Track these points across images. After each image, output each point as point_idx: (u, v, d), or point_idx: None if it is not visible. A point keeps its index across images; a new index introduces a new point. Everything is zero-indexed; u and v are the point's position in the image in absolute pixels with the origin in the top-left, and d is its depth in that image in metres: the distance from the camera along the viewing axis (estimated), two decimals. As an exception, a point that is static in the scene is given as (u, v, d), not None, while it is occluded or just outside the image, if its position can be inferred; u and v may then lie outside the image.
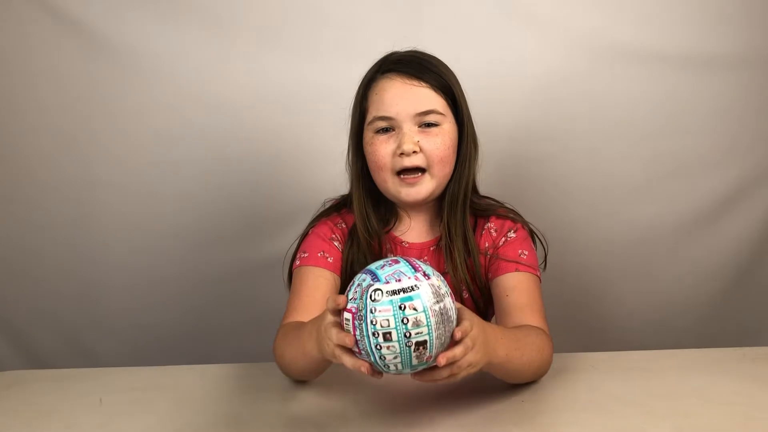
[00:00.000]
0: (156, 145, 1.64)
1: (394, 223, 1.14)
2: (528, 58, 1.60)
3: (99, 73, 1.60)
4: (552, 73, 1.60)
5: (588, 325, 1.69)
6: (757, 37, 1.59)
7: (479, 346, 0.82)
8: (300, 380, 1.03)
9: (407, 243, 1.12)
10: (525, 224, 1.14)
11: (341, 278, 1.10)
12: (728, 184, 1.63)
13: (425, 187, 1.06)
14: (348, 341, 0.78)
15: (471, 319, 0.82)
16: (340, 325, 0.80)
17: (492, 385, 0.96)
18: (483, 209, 1.14)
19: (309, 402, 0.97)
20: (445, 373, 0.80)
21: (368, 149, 1.08)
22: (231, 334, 1.70)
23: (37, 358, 1.71)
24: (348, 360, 0.79)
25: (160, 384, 1.06)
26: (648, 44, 1.59)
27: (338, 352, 0.80)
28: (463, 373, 0.82)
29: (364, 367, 0.78)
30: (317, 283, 1.07)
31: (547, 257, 1.15)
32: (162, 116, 1.62)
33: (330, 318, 0.81)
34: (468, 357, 0.81)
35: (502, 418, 0.89)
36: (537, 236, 1.15)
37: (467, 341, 0.80)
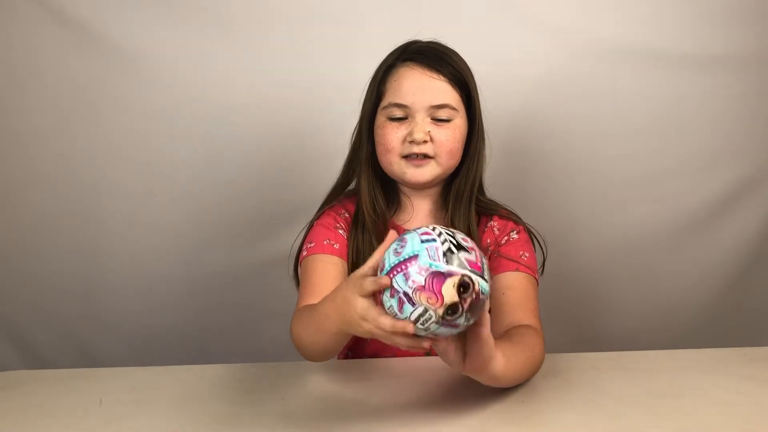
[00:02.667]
0: (159, 146, 1.64)
1: (395, 210, 1.16)
2: (528, 57, 1.60)
3: (104, 74, 1.61)
4: (552, 73, 1.60)
5: (587, 324, 1.69)
6: (758, 37, 1.59)
7: None
8: (317, 360, 1.03)
9: None
10: (526, 227, 1.15)
11: (348, 264, 1.11)
12: (728, 183, 1.63)
13: (430, 170, 1.09)
14: (409, 329, 0.76)
15: None
16: (376, 305, 0.79)
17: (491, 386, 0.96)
18: (487, 207, 1.16)
19: (309, 402, 0.97)
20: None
21: (378, 132, 1.10)
22: (231, 334, 1.70)
23: (37, 358, 1.71)
24: (405, 342, 0.78)
25: (160, 384, 1.06)
26: (649, 44, 1.59)
27: (398, 339, 0.78)
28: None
29: (426, 343, 0.78)
30: (326, 269, 1.09)
31: (546, 261, 1.16)
32: (166, 117, 1.63)
33: (366, 303, 0.79)
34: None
35: (502, 418, 0.89)
36: (537, 240, 1.15)
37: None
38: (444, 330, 0.77)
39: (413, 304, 0.76)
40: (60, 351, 1.71)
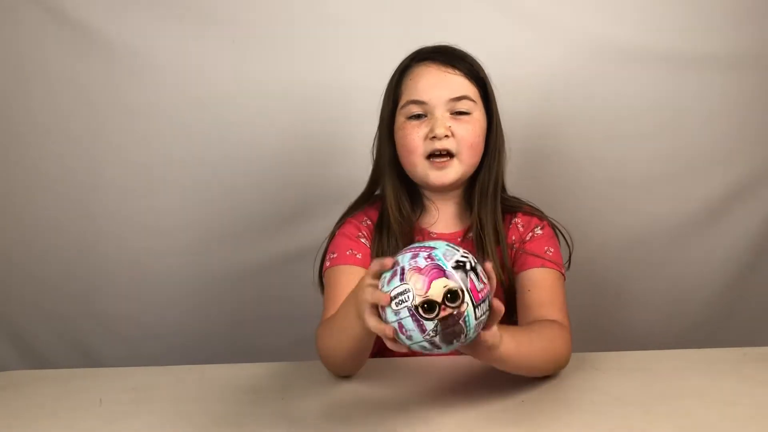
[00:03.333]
0: (160, 146, 1.64)
1: (420, 214, 1.16)
2: (529, 58, 1.59)
3: (105, 74, 1.61)
4: (553, 73, 1.59)
5: (588, 324, 1.69)
6: (758, 37, 1.59)
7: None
8: (343, 375, 1.03)
9: (435, 233, 1.14)
10: (550, 222, 1.16)
11: None
12: (728, 183, 1.63)
13: (453, 170, 1.09)
14: (383, 300, 0.76)
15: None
16: (376, 285, 0.79)
17: (492, 385, 0.96)
18: (510, 204, 1.16)
19: (309, 402, 0.97)
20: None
21: (399, 133, 1.10)
22: (231, 334, 1.70)
23: (37, 358, 1.71)
24: (373, 321, 0.78)
25: (160, 384, 1.06)
26: (649, 44, 1.59)
27: (368, 311, 0.78)
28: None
29: (388, 330, 0.76)
30: (349, 281, 1.07)
31: (572, 256, 1.16)
32: (167, 117, 1.62)
33: (368, 279, 0.80)
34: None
35: (502, 418, 0.89)
36: (563, 234, 1.16)
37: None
38: (410, 324, 0.75)
39: (401, 281, 0.76)
40: (60, 351, 1.71)
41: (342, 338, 0.93)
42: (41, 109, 1.63)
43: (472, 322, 0.76)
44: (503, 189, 1.17)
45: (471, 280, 0.76)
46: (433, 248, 0.78)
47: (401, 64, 1.13)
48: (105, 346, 1.71)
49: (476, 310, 0.76)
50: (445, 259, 0.76)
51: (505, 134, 1.15)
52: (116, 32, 1.59)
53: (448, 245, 0.78)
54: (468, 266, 0.76)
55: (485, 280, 0.78)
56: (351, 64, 1.57)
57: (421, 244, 0.79)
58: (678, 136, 1.62)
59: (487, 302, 0.78)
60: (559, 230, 1.16)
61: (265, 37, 1.60)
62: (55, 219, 1.66)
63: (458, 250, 0.78)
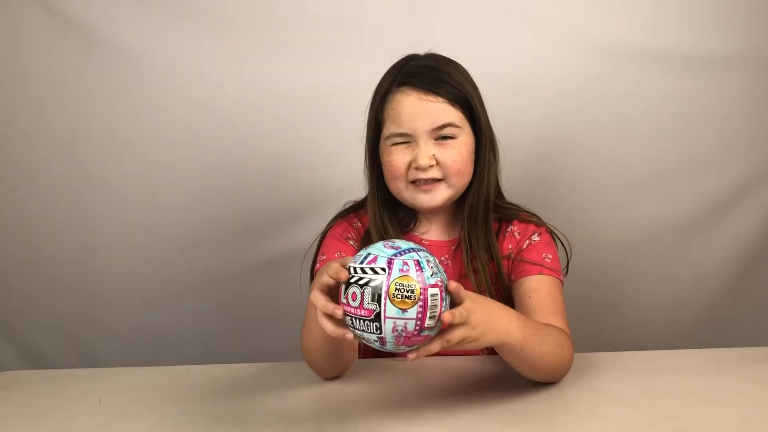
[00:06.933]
0: (159, 147, 1.64)
1: (414, 225, 1.15)
2: (530, 60, 1.59)
3: (98, 73, 1.60)
4: (556, 75, 1.59)
5: (588, 325, 1.69)
6: (759, 37, 1.59)
7: (478, 320, 0.83)
8: (330, 377, 1.03)
9: (428, 241, 1.14)
10: (548, 229, 1.14)
11: None
12: (729, 183, 1.63)
13: (441, 194, 1.08)
14: (338, 313, 0.78)
15: (470, 299, 0.83)
16: (326, 291, 0.81)
17: (492, 385, 0.97)
18: (506, 213, 1.15)
19: (309, 402, 0.97)
20: (434, 346, 0.80)
21: (384, 159, 1.09)
22: (231, 334, 1.70)
23: (37, 358, 1.71)
24: (330, 327, 0.80)
25: (160, 384, 1.06)
26: (651, 46, 1.59)
27: (322, 319, 0.81)
28: (458, 345, 0.82)
29: (348, 335, 0.80)
30: None
31: (570, 263, 1.15)
32: (161, 117, 1.62)
33: (320, 284, 0.81)
34: (460, 332, 0.81)
35: (501, 418, 0.89)
36: (560, 241, 1.15)
37: (457, 315, 0.80)
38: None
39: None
40: (60, 351, 1.71)
41: (315, 338, 0.95)
42: (40, 109, 1.62)
43: (366, 336, 0.79)
44: (500, 196, 1.16)
45: (384, 303, 0.77)
46: (374, 257, 0.79)
47: (382, 84, 1.10)
48: (105, 346, 1.71)
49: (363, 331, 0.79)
50: (356, 270, 0.79)
51: (499, 143, 1.13)
52: (114, 32, 1.59)
53: (392, 256, 0.79)
54: (395, 286, 0.77)
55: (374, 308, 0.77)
56: (349, 65, 1.57)
57: (380, 247, 0.81)
58: (678, 137, 1.62)
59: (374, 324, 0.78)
60: (557, 237, 1.15)
61: (264, 39, 1.60)
62: (54, 219, 1.66)
63: (421, 265, 0.78)
